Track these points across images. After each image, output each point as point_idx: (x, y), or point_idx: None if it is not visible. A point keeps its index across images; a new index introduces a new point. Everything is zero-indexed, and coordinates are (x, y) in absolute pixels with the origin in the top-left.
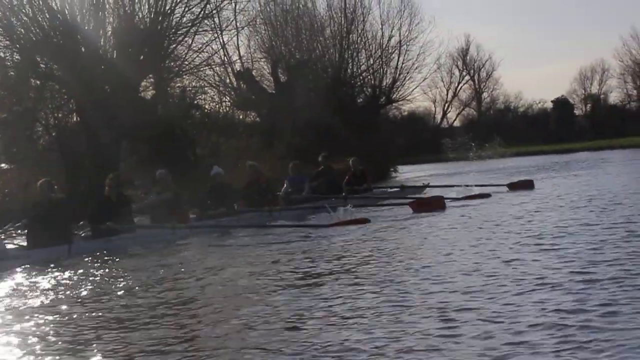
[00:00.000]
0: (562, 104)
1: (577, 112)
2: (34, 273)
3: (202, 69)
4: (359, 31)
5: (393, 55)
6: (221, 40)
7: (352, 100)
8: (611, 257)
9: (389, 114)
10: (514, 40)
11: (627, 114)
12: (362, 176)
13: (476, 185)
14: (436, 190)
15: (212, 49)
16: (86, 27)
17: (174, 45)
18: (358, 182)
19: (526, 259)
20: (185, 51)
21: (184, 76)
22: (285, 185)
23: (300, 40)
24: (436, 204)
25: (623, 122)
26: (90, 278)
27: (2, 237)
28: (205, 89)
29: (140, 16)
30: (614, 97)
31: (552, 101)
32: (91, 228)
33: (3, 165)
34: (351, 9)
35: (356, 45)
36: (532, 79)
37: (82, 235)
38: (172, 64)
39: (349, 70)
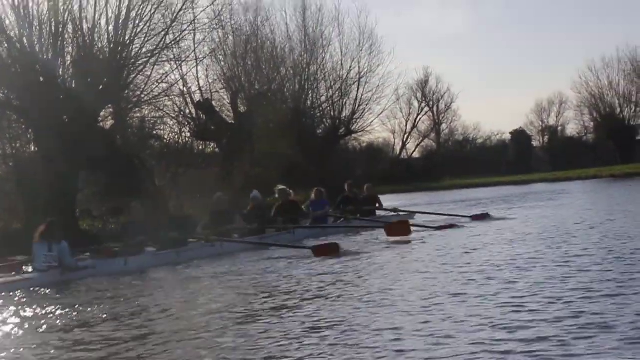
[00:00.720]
0: (519, 136)
1: (534, 143)
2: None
3: (161, 99)
4: (319, 63)
5: (353, 86)
6: (181, 71)
7: (312, 131)
8: (553, 295)
9: (348, 145)
10: (473, 72)
11: (584, 146)
12: (372, 200)
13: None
14: (419, 217)
15: (172, 79)
16: (45, 57)
17: (133, 76)
18: (366, 204)
19: (469, 294)
20: (145, 81)
21: (143, 106)
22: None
23: (261, 71)
24: (403, 229)
25: (580, 154)
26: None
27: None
28: (165, 119)
29: (100, 46)
30: (571, 129)
31: (510, 133)
32: None
33: None
34: (312, 41)
35: (316, 77)
36: (491, 110)
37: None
38: (131, 94)
39: (308, 101)
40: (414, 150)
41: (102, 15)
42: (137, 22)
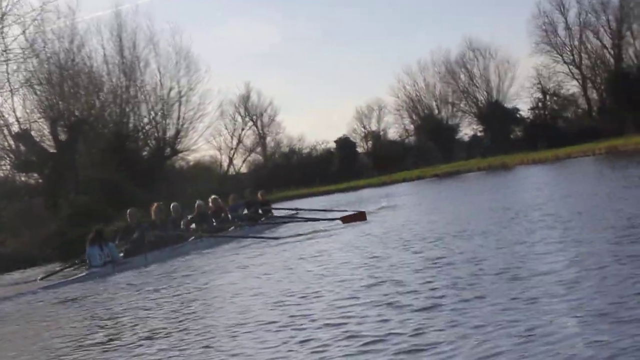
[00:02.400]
0: (344, 143)
1: (359, 149)
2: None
3: None
4: (139, 85)
5: (174, 106)
6: None
7: (137, 153)
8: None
9: (175, 165)
10: (294, 84)
11: (407, 148)
12: (268, 203)
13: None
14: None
15: None
16: None
17: None
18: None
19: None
20: None
21: None
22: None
23: (79, 97)
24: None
25: (403, 156)
26: None
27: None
28: None
29: None
30: (393, 133)
31: (334, 141)
32: None
33: None
34: (128, 64)
35: (136, 99)
36: (314, 120)
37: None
38: None
39: (131, 124)
40: (242, 165)
41: None
42: None
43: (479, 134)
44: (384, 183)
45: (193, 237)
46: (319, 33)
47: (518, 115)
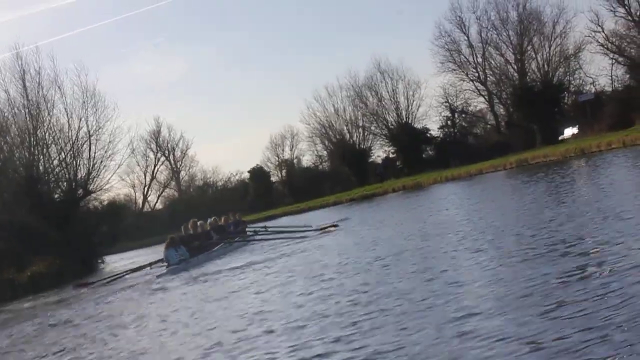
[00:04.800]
0: (258, 173)
1: (273, 178)
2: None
3: None
4: (46, 126)
5: (84, 146)
6: None
7: (48, 196)
8: None
9: (89, 206)
10: (204, 116)
11: (321, 174)
12: (243, 223)
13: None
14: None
15: None
16: None
17: None
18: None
19: None
20: None
21: None
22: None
23: None
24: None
25: (318, 182)
26: None
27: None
28: None
29: None
30: (307, 160)
31: (248, 171)
32: None
33: None
34: (35, 105)
35: (45, 141)
36: (228, 152)
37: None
38: None
39: (41, 166)
40: (157, 202)
41: None
42: None
43: (391, 155)
44: (302, 210)
45: (222, 244)
46: (226, 62)
47: (428, 135)
